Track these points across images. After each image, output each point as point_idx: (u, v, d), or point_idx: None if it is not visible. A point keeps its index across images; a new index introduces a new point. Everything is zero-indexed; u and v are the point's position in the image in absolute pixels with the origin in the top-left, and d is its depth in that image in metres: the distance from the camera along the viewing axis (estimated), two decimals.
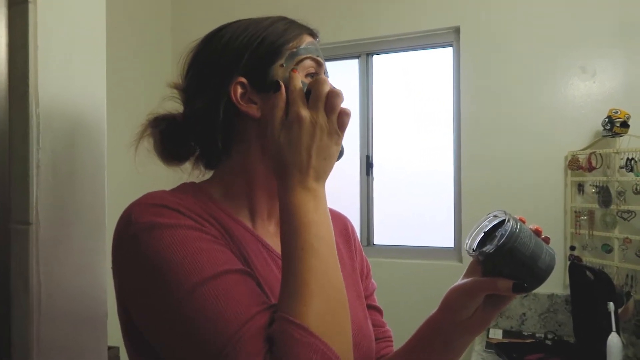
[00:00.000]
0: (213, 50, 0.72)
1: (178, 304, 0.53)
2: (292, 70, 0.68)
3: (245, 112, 0.69)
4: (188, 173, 0.77)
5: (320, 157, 0.61)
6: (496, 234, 0.63)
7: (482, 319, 0.66)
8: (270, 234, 0.74)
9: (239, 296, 0.54)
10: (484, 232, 0.66)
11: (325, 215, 0.61)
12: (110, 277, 0.92)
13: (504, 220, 0.63)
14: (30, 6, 0.77)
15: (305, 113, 0.62)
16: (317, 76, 0.70)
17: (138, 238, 0.58)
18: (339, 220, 0.90)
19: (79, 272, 0.85)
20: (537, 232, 0.66)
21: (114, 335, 0.96)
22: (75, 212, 0.85)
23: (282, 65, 0.69)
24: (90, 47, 0.89)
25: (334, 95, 0.62)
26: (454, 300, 0.67)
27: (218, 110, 0.69)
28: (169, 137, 0.75)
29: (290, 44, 0.71)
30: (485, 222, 0.67)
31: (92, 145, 0.89)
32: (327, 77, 0.73)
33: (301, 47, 0.71)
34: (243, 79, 0.69)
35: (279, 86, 0.65)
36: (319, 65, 0.72)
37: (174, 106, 0.76)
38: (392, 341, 0.86)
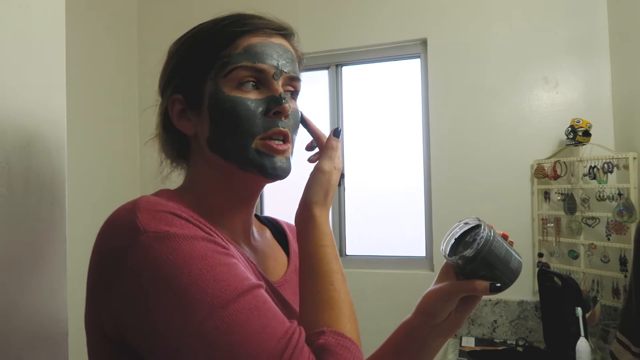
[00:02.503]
0: (167, 60, 0.72)
1: (211, 322, 0.50)
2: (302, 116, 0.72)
3: (181, 129, 0.69)
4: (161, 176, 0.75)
5: (331, 194, 0.69)
6: (469, 239, 0.68)
7: (455, 321, 0.71)
8: (248, 248, 0.73)
9: (269, 311, 0.54)
10: (455, 239, 0.71)
11: (331, 237, 0.67)
12: (73, 296, 0.88)
13: (474, 227, 0.69)
14: None
15: (328, 167, 0.68)
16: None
17: (151, 249, 0.52)
18: (294, 232, 0.88)
19: (36, 290, 0.80)
20: (505, 237, 0.71)
21: (77, 356, 0.91)
22: (34, 227, 0.81)
23: (211, 78, 0.66)
24: (48, 54, 0.85)
25: (336, 141, 0.70)
26: (432, 304, 0.71)
27: (163, 125, 0.72)
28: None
29: (224, 52, 0.65)
30: (457, 229, 0.72)
31: (51, 158, 0.85)
32: (280, 75, 0.67)
33: (234, 53, 0.65)
34: (179, 96, 0.68)
35: (339, 133, 0.71)
36: (260, 72, 0.66)
37: None
38: None
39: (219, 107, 0.65)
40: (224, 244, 0.58)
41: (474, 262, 0.66)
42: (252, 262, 0.67)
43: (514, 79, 2.21)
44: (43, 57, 0.84)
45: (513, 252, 0.68)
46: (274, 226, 0.86)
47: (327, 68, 2.55)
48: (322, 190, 0.67)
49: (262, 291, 0.56)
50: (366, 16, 2.42)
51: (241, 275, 0.55)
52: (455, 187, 2.25)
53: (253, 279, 0.56)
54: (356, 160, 2.52)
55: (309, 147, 0.76)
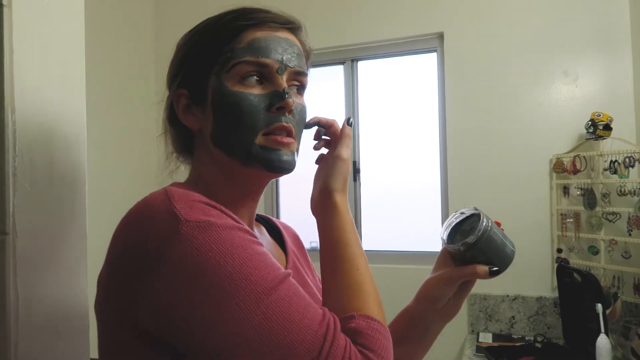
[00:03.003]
0: (173, 56, 0.72)
1: (258, 309, 0.50)
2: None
3: (186, 124, 0.70)
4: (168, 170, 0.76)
5: (347, 179, 0.70)
6: (465, 227, 0.74)
7: (454, 305, 0.77)
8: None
9: (305, 297, 0.55)
10: (451, 228, 0.77)
11: (353, 223, 0.68)
12: (93, 288, 0.89)
13: (469, 217, 0.75)
14: (5, 9, 0.75)
15: (347, 155, 0.70)
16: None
17: (194, 239, 0.52)
18: (289, 231, 0.89)
19: (58, 282, 0.82)
20: (498, 225, 0.75)
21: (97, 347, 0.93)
22: (55, 221, 0.82)
23: (215, 73, 0.65)
24: (68, 51, 0.87)
25: (350, 129, 0.72)
26: (434, 290, 0.75)
27: (166, 116, 0.73)
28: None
29: (228, 46, 0.65)
30: (453, 219, 0.78)
31: (72, 153, 0.87)
32: (284, 70, 0.66)
33: (238, 48, 0.64)
34: (184, 91, 0.69)
35: (351, 122, 0.73)
36: (263, 67, 0.65)
37: None
38: None
39: (222, 102, 0.65)
40: (254, 233, 0.59)
41: (474, 248, 0.71)
42: None
43: (533, 73, 2.17)
44: (63, 53, 0.86)
45: (507, 238, 0.74)
46: (268, 224, 0.86)
47: (342, 63, 2.54)
48: (342, 177, 0.69)
49: (293, 279, 0.57)
50: (382, 10, 2.40)
51: (275, 264, 0.56)
52: (472, 182, 2.23)
53: (282, 268, 0.57)
54: (372, 155, 2.52)
55: (316, 137, 0.76)
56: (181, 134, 0.73)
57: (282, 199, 2.66)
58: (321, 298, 0.79)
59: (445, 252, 0.78)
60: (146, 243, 0.53)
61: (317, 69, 2.54)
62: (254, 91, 0.65)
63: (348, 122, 0.73)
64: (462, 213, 0.77)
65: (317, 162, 0.75)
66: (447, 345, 2.20)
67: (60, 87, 0.85)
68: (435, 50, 2.40)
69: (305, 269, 0.84)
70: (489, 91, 2.23)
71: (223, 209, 0.58)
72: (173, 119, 0.72)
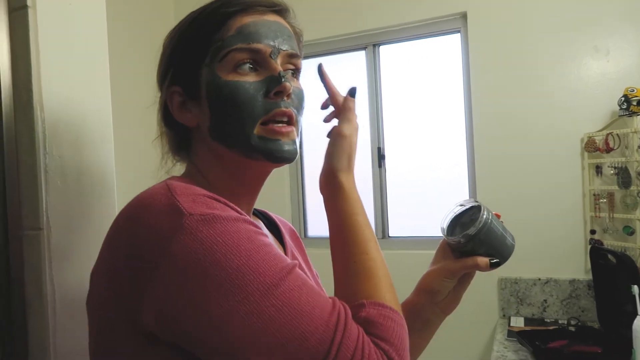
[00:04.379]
0: (162, 52, 0.70)
1: (267, 301, 0.49)
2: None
3: (181, 122, 0.68)
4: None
5: (354, 157, 0.68)
6: (464, 220, 0.74)
7: (454, 298, 0.76)
8: None
9: (313, 288, 0.54)
10: (450, 220, 0.78)
11: (361, 203, 0.66)
12: None
13: (468, 209, 0.76)
14: (30, 11, 0.77)
15: (348, 131, 0.67)
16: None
17: (199, 232, 0.50)
18: (285, 225, 0.88)
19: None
20: (497, 217, 0.75)
21: None
22: (85, 216, 0.85)
23: (207, 65, 0.63)
24: (92, 50, 0.89)
25: (352, 101, 0.69)
26: (435, 282, 0.74)
27: (161, 117, 0.71)
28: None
29: (217, 35, 0.63)
30: (452, 213, 0.79)
31: (99, 149, 0.89)
32: (277, 54, 0.64)
33: (228, 36, 0.62)
34: (177, 88, 0.67)
35: (354, 92, 0.71)
36: (256, 52, 0.63)
37: None
38: None
39: (217, 93, 0.63)
40: (258, 225, 0.58)
41: (475, 240, 0.71)
42: None
43: (561, 49, 2.10)
44: (87, 53, 0.87)
45: (507, 230, 0.74)
46: (265, 218, 0.85)
47: (364, 48, 2.51)
48: (345, 155, 0.67)
49: (299, 270, 0.56)
50: None
51: (281, 255, 0.55)
52: (500, 164, 2.18)
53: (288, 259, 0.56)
54: (397, 141, 2.49)
55: (325, 106, 0.74)
56: (177, 133, 0.70)
57: (308, 190, 2.67)
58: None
59: (444, 245, 0.78)
60: (148, 239, 0.51)
61: (339, 55, 2.52)
62: (249, 79, 0.63)
63: (351, 92, 0.70)
64: (461, 205, 0.78)
65: (328, 135, 0.72)
66: (478, 329, 2.18)
67: (85, 84, 0.87)
68: (458, 31, 2.35)
69: (303, 264, 0.83)
70: (515, 71, 2.17)
71: (226, 201, 0.56)
72: (168, 118, 0.70)
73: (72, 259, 0.81)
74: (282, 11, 0.68)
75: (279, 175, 2.58)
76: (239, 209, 0.57)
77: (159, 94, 0.71)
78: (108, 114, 0.91)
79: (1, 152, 0.76)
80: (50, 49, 0.80)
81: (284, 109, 0.63)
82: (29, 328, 0.77)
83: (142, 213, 0.54)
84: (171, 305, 0.50)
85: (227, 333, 0.49)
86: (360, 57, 2.52)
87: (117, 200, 0.91)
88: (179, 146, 0.72)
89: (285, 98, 0.64)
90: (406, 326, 0.56)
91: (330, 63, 2.48)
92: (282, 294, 0.50)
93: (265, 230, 0.80)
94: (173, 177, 0.66)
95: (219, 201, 0.56)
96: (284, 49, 0.65)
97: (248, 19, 0.63)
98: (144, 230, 0.52)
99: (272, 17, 0.66)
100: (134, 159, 2.55)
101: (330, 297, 0.55)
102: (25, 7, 0.76)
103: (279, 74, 0.63)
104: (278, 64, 0.64)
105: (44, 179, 0.78)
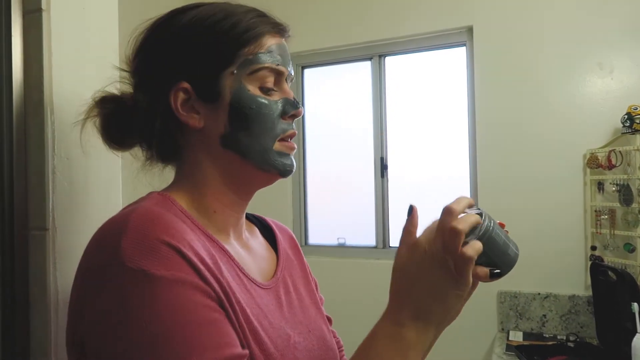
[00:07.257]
0: (165, 38, 0.66)
1: None
2: None
3: (185, 122, 0.65)
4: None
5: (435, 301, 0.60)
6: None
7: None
8: (237, 250, 0.69)
9: None
10: None
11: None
12: None
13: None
14: (44, 14, 0.77)
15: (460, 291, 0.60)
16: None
17: (123, 288, 0.49)
18: (285, 233, 0.87)
19: None
20: (502, 226, 0.70)
21: None
22: (91, 218, 0.85)
23: (232, 73, 0.63)
24: (103, 53, 0.89)
25: (454, 235, 0.57)
26: None
27: (157, 114, 0.65)
28: (114, 122, 0.69)
29: (248, 48, 0.63)
30: None
31: (106, 151, 0.89)
32: (289, 78, 0.69)
33: (260, 53, 0.64)
34: (186, 85, 0.64)
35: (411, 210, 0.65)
36: (279, 74, 0.66)
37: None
38: (343, 349, 0.84)
39: (243, 106, 0.64)
40: (212, 288, 0.54)
41: None
42: (235, 262, 0.64)
43: (566, 66, 2.12)
44: (98, 56, 0.88)
45: (510, 240, 0.70)
46: (261, 223, 0.85)
47: (369, 59, 2.53)
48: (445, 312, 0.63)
49: None
50: (409, 5, 2.38)
51: (220, 340, 0.51)
52: (502, 178, 2.19)
53: (235, 346, 0.53)
54: (400, 152, 2.50)
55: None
56: (173, 131, 0.67)
57: (310, 197, 2.68)
58: (317, 313, 0.77)
59: None
60: (88, 275, 0.54)
61: (344, 65, 2.52)
62: (273, 98, 0.66)
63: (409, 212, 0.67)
64: (463, 213, 0.73)
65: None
66: (476, 343, 2.18)
67: (95, 88, 0.87)
68: (464, 45, 2.37)
69: (300, 273, 0.81)
70: (519, 85, 2.18)
71: (187, 246, 0.53)
72: (165, 113, 0.65)
73: (76, 260, 0.81)
74: (287, 37, 0.71)
75: (281, 185, 2.58)
76: (196, 262, 0.53)
77: (147, 79, 0.67)
78: None
79: (10, 152, 0.77)
80: (62, 52, 0.81)
81: (294, 131, 0.70)
82: (31, 328, 0.77)
83: (90, 246, 0.56)
84: (92, 341, 0.52)
85: None
86: (365, 67, 2.54)
87: (123, 202, 0.91)
88: (167, 147, 0.69)
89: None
90: None
91: (336, 73, 2.50)
92: None
93: (257, 237, 0.79)
94: (152, 194, 0.66)
95: (174, 247, 0.52)
96: (292, 74, 0.71)
97: (274, 40, 0.67)
98: (86, 265, 0.55)
99: (285, 41, 0.70)
100: (140, 162, 2.56)
101: None
102: (39, 10, 0.77)
103: (294, 98, 0.69)
104: (288, 87, 0.69)
105: (52, 180, 0.78)
